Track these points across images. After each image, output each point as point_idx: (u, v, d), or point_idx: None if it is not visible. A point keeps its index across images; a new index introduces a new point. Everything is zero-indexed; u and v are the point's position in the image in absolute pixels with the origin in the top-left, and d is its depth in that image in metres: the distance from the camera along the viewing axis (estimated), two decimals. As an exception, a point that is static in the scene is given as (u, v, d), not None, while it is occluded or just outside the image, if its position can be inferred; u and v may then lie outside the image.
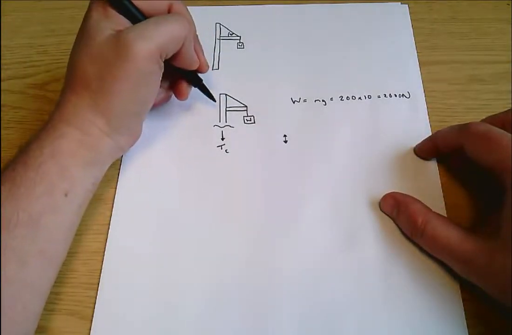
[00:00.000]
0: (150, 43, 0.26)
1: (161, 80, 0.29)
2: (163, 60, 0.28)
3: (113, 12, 0.27)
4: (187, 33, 0.28)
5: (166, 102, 0.34)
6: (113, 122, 0.28)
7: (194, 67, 0.31)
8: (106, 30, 0.27)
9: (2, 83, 0.38)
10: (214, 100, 0.35)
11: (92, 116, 0.27)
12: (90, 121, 0.27)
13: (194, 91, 0.34)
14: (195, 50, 0.31)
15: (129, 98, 0.28)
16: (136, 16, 0.28)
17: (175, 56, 0.29)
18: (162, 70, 0.28)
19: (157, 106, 0.33)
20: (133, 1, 0.27)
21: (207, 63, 0.32)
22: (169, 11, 0.29)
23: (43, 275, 0.25)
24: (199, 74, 0.33)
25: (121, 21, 0.27)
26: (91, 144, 0.27)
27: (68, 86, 0.28)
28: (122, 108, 0.28)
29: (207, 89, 0.34)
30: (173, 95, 0.34)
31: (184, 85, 0.33)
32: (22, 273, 0.24)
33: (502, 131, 0.26)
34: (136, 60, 0.26)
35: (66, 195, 0.26)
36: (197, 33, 0.31)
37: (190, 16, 0.31)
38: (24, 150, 0.26)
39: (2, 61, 0.39)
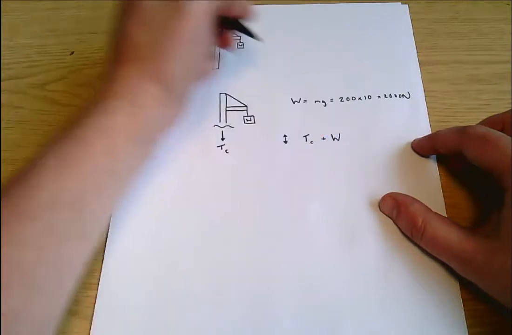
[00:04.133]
0: None
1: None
2: (217, 14, 0.27)
3: None
4: None
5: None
6: (170, 85, 0.27)
7: (249, 15, 0.30)
8: None
9: (2, 83, 0.38)
10: (259, 39, 0.32)
11: (146, 83, 0.26)
12: (143, 90, 0.26)
13: (197, 90, 0.33)
14: None
15: (186, 58, 0.27)
16: None
17: (228, 6, 0.28)
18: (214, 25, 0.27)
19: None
20: None
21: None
22: None
23: (80, 256, 0.24)
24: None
25: None
26: (142, 117, 0.26)
27: (113, 58, 0.26)
28: (180, 70, 0.27)
29: (248, 29, 0.32)
30: None
31: (228, 33, 0.32)
32: (62, 253, 0.23)
33: (500, 133, 0.26)
34: (191, 17, 0.25)
35: (111, 174, 0.25)
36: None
37: None
38: (70, 127, 0.25)
39: (2, 61, 0.39)
